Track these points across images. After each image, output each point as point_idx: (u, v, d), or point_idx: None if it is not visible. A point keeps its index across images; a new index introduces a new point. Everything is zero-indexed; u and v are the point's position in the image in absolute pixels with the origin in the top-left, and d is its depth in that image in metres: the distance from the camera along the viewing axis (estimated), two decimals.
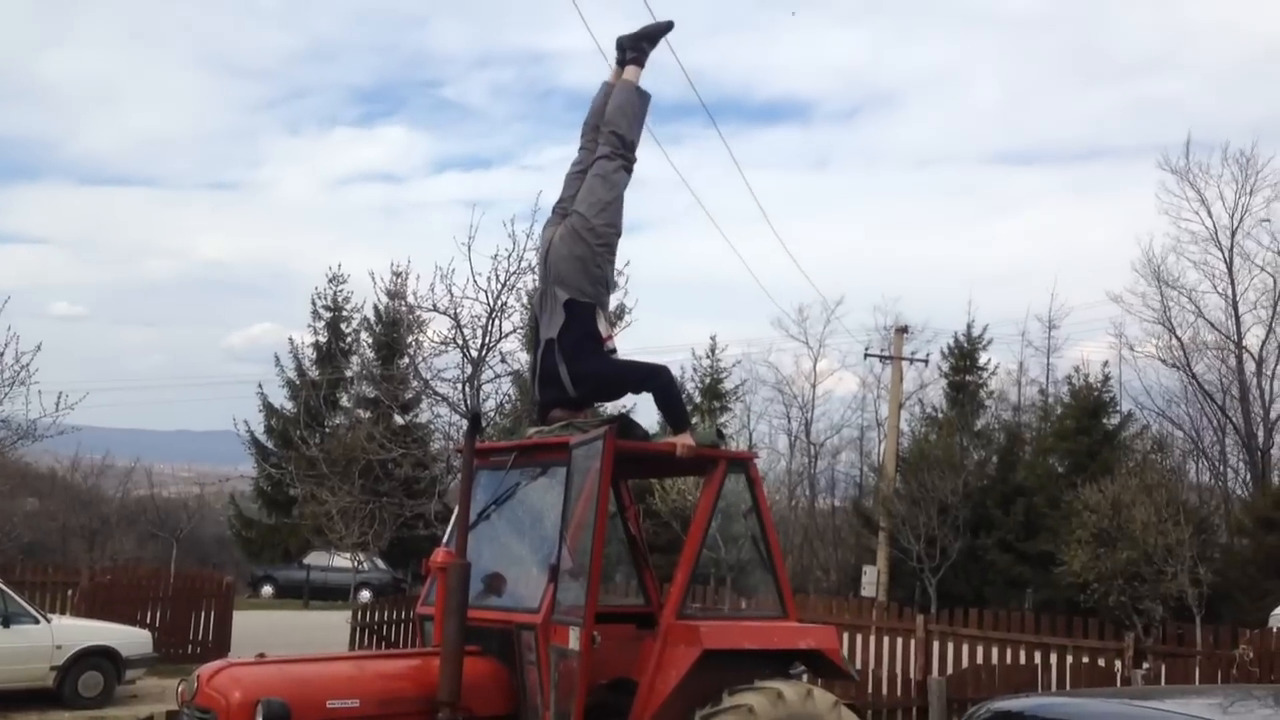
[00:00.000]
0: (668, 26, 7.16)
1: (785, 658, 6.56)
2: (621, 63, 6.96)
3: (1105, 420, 32.82)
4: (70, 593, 17.64)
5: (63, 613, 15.72)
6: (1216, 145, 70.56)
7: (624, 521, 7.46)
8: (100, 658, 13.29)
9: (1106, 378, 33.88)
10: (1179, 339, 34.90)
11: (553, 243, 6.60)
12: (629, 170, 6.77)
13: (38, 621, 13.05)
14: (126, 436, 65.29)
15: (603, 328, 6.50)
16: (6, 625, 12.60)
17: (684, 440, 6.22)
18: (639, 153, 6.86)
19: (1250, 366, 33.96)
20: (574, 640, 5.58)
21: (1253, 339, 34.32)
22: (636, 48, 6.94)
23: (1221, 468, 35.77)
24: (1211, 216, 34.71)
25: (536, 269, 6.92)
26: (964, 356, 37.12)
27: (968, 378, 36.94)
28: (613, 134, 6.72)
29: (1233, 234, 34.44)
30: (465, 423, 7.08)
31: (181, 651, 16.19)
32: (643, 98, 6.90)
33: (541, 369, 6.52)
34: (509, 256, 14.69)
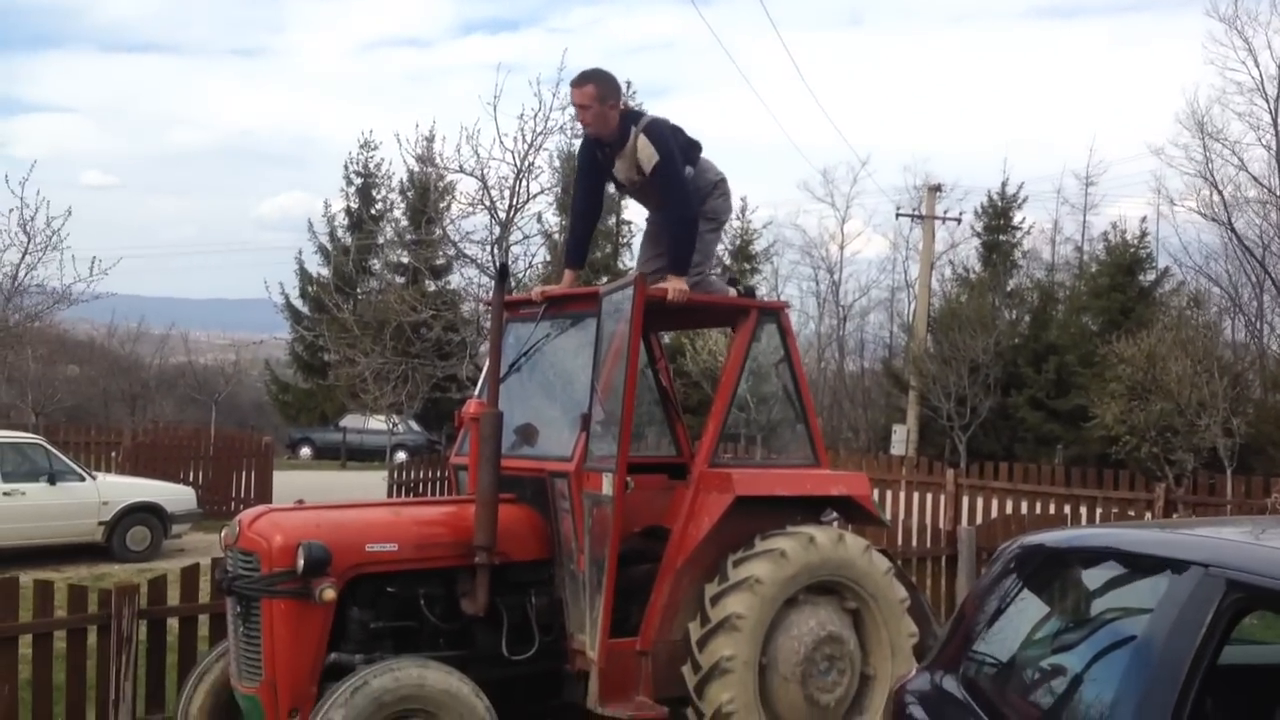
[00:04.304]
0: None
1: (817, 504, 6.61)
2: None
3: (1140, 277, 32.41)
4: (114, 453, 18.06)
5: (108, 472, 16.10)
6: None
7: (655, 374, 7.46)
8: (146, 513, 13.67)
9: (1144, 234, 33.33)
10: (1220, 193, 34.15)
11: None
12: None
13: (83, 479, 13.38)
14: (161, 304, 65.91)
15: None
16: (53, 483, 12.93)
17: (678, 285, 6.00)
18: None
19: None
20: (607, 486, 5.63)
21: None
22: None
23: (1259, 324, 35.36)
24: (1259, 65, 33.57)
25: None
26: (998, 215, 36.59)
27: (1001, 237, 36.47)
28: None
29: (1279, 83, 33.39)
30: (493, 287, 6.96)
31: (224, 509, 16.60)
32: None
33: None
34: (535, 117, 14.45)
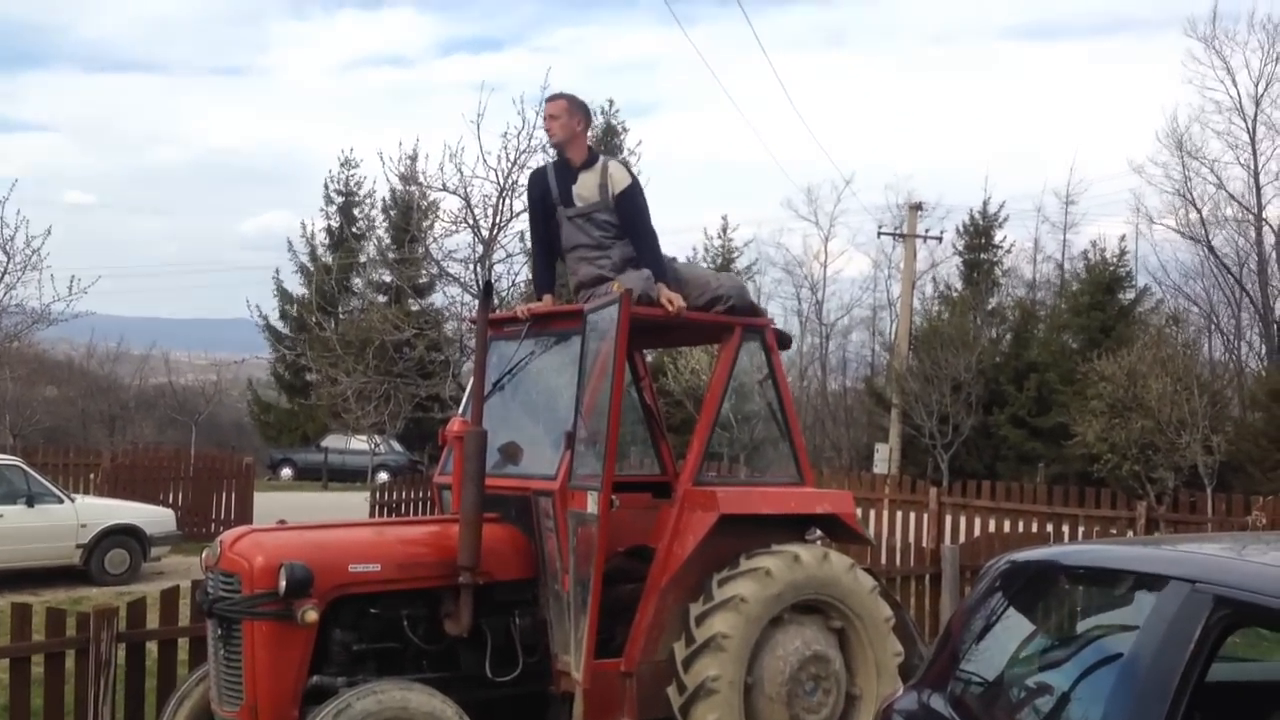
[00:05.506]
0: None
1: (802, 523, 6.60)
2: None
3: (1120, 295, 32.66)
4: (92, 475, 17.91)
5: (86, 494, 15.96)
6: (1243, 13, 68.77)
7: (639, 392, 7.44)
8: (125, 535, 13.53)
9: (1123, 252, 33.65)
10: (1199, 211, 34.49)
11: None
12: None
13: (61, 501, 13.25)
14: (141, 325, 65.58)
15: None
16: (31, 505, 12.80)
17: (669, 295, 6.09)
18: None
19: (1270, 239, 33.62)
20: (592, 505, 5.60)
21: (1274, 211, 33.97)
22: None
23: (1236, 342, 35.72)
24: (1236, 85, 34.05)
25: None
26: (979, 234, 36.85)
27: (982, 255, 36.71)
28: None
29: (1257, 103, 33.80)
30: (477, 305, 6.95)
31: (204, 530, 16.47)
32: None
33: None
34: (519, 135, 14.47)
